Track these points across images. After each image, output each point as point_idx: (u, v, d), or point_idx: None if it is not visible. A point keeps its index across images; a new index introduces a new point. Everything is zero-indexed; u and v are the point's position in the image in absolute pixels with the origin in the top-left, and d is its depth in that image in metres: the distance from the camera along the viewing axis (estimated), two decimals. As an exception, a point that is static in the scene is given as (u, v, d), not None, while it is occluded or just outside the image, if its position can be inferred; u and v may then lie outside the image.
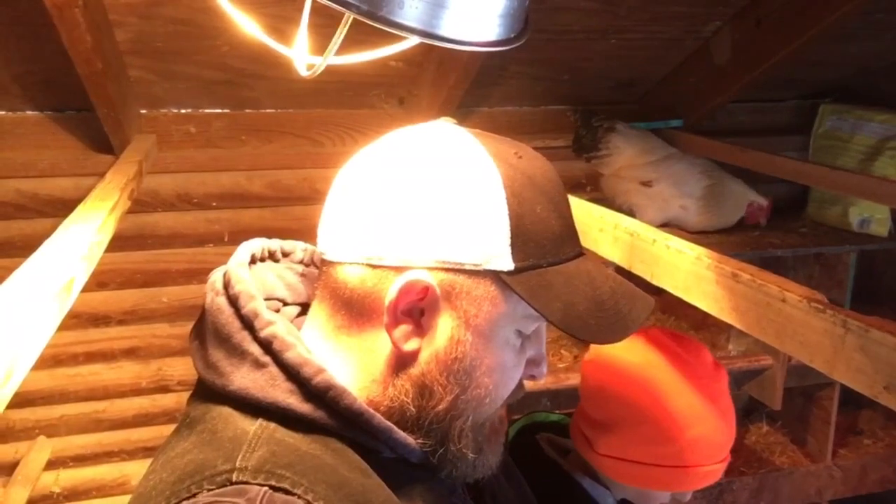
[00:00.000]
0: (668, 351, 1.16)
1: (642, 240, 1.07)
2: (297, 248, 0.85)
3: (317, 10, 0.74)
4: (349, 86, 1.94)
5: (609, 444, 1.17)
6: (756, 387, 2.17)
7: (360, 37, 0.86)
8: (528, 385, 0.81)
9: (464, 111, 2.10)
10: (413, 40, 0.63)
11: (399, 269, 0.69)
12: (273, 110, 2.00)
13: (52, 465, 2.13)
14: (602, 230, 1.17)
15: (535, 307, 0.69)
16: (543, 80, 2.09)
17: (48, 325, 0.76)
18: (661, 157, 2.13)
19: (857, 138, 2.28)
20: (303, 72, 0.78)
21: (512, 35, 0.67)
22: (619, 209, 2.14)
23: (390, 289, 0.69)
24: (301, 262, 0.84)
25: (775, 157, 1.89)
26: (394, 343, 0.71)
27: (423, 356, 0.72)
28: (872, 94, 2.35)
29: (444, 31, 0.61)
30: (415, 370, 0.72)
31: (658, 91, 2.24)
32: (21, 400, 2.06)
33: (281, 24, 1.49)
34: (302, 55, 0.78)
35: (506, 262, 0.69)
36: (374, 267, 0.70)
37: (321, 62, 0.69)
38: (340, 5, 0.54)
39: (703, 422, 1.14)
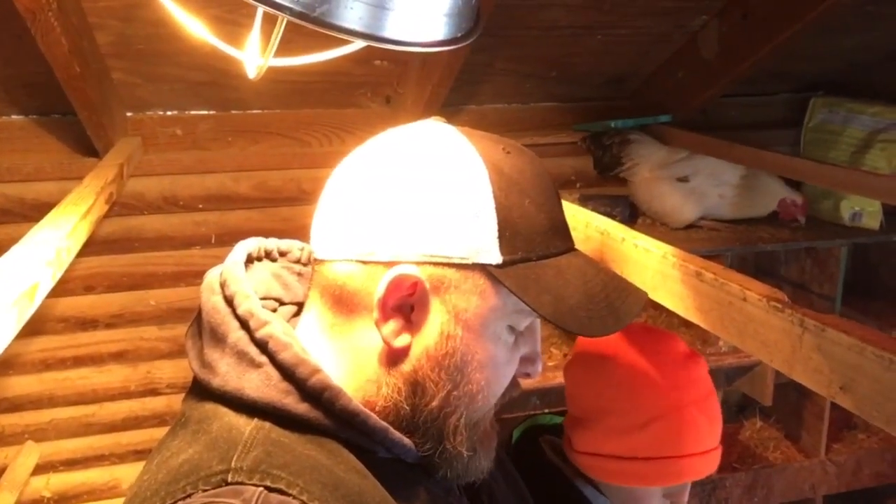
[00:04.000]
0: (636, 343, 1.16)
1: (612, 238, 1.07)
2: (294, 247, 0.85)
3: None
4: (336, 86, 1.94)
5: (584, 440, 1.17)
6: (747, 383, 2.16)
7: (326, 38, 0.86)
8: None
9: (452, 109, 2.10)
10: (359, 42, 0.63)
11: (388, 265, 0.70)
12: (259, 111, 1.99)
13: (42, 469, 2.12)
14: (574, 228, 1.16)
15: (524, 300, 0.69)
16: (531, 76, 2.09)
17: (5, 332, 0.75)
18: (691, 152, 2.16)
19: (849, 131, 2.27)
20: (252, 74, 0.78)
21: (459, 34, 0.66)
22: (654, 213, 2.18)
23: (379, 284, 0.70)
24: (298, 261, 0.85)
25: (764, 151, 1.88)
26: (384, 339, 0.71)
27: (414, 352, 0.72)
28: (864, 87, 2.33)
29: (386, 32, 0.60)
30: (406, 367, 0.72)
31: (647, 87, 2.23)
32: (9, 405, 2.06)
33: (251, 20, 1.49)
34: (253, 57, 0.77)
35: (494, 256, 0.69)
36: (363, 263, 0.71)
37: (262, 63, 0.69)
38: (273, 7, 0.54)
39: (672, 410, 1.13)
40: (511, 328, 0.75)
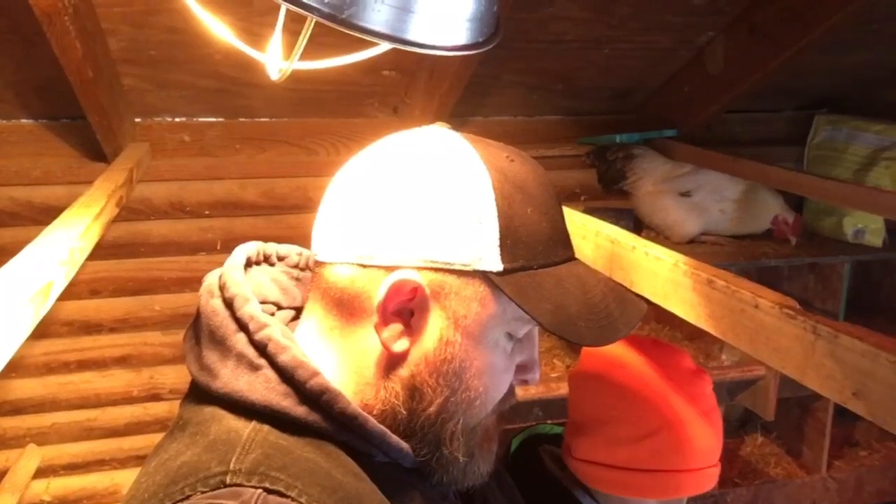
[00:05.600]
0: (644, 355, 1.16)
1: (622, 247, 1.07)
2: (292, 252, 0.85)
3: (295, 15, 0.74)
4: (344, 95, 1.95)
5: (582, 448, 1.16)
6: (749, 397, 2.16)
7: (345, 42, 0.87)
8: (521, 394, 0.81)
9: (458, 120, 2.11)
10: (383, 45, 0.63)
11: (389, 269, 0.70)
12: (267, 119, 2.00)
13: (43, 473, 2.12)
14: (584, 237, 1.17)
15: (524, 308, 0.69)
16: (538, 89, 2.10)
17: (20, 329, 0.76)
18: (695, 167, 2.18)
19: (853, 148, 2.28)
20: (274, 76, 0.78)
21: (481, 39, 0.67)
22: (656, 227, 2.20)
23: (379, 288, 0.69)
24: (296, 265, 0.84)
25: (768, 167, 1.89)
26: (383, 344, 0.71)
27: (413, 357, 0.71)
28: (867, 105, 2.35)
29: (410, 35, 0.61)
30: (405, 372, 0.72)
31: (653, 101, 2.25)
32: (12, 408, 2.06)
33: (264, 29, 1.50)
34: (275, 60, 0.78)
35: (495, 263, 0.69)
36: (364, 266, 0.71)
37: (287, 66, 0.69)
38: (302, 8, 0.55)
39: (675, 424, 1.12)
40: (509, 335, 0.74)
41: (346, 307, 0.73)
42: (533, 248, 0.71)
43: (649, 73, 2.11)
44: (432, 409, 0.72)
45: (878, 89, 2.34)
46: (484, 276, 0.70)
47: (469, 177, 0.70)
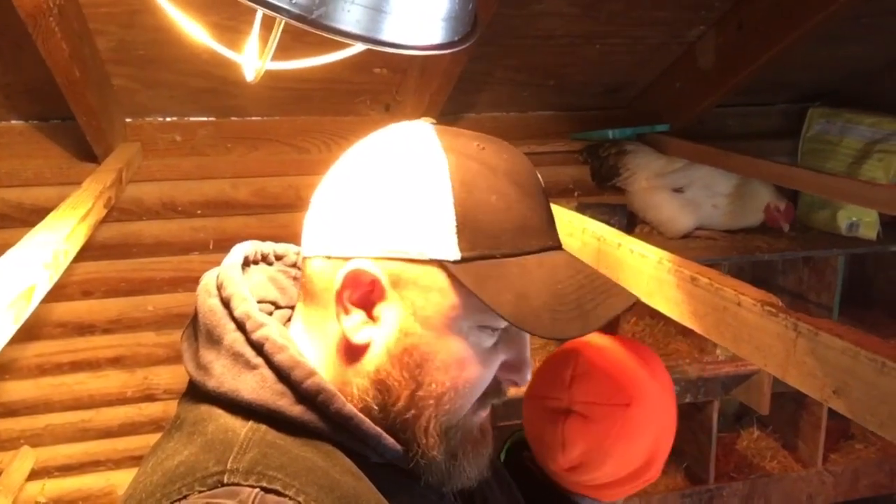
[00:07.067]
0: (643, 359, 1.16)
1: (608, 244, 1.07)
2: (290, 251, 0.85)
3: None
4: (335, 93, 1.94)
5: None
6: (744, 392, 2.16)
7: (325, 45, 0.86)
8: (518, 391, 0.79)
9: (451, 117, 2.10)
10: (357, 46, 0.63)
11: (347, 260, 0.70)
12: (258, 118, 2.00)
13: (37, 474, 2.12)
14: (571, 234, 1.17)
15: (481, 298, 0.67)
16: (529, 85, 2.10)
17: (2, 334, 0.76)
18: (687, 163, 2.18)
19: (846, 141, 2.28)
20: (249, 77, 0.78)
21: (456, 38, 0.67)
22: (650, 222, 2.22)
23: (335, 278, 0.70)
24: (294, 265, 0.85)
25: (760, 161, 1.89)
26: (345, 335, 0.71)
27: (376, 349, 0.71)
28: (861, 98, 2.35)
29: (383, 35, 0.61)
30: (370, 366, 0.71)
31: (644, 96, 2.25)
32: (5, 410, 2.06)
33: (244, 27, 1.50)
34: (251, 60, 0.78)
35: (451, 252, 0.68)
36: (329, 258, 0.71)
37: (260, 66, 0.69)
38: (270, 9, 0.54)
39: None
40: (485, 327, 0.72)
41: (318, 300, 0.73)
42: (495, 236, 0.69)
43: (641, 68, 2.11)
44: (401, 403, 0.71)
45: (872, 82, 2.34)
46: (441, 265, 0.69)
47: (424, 165, 0.69)
